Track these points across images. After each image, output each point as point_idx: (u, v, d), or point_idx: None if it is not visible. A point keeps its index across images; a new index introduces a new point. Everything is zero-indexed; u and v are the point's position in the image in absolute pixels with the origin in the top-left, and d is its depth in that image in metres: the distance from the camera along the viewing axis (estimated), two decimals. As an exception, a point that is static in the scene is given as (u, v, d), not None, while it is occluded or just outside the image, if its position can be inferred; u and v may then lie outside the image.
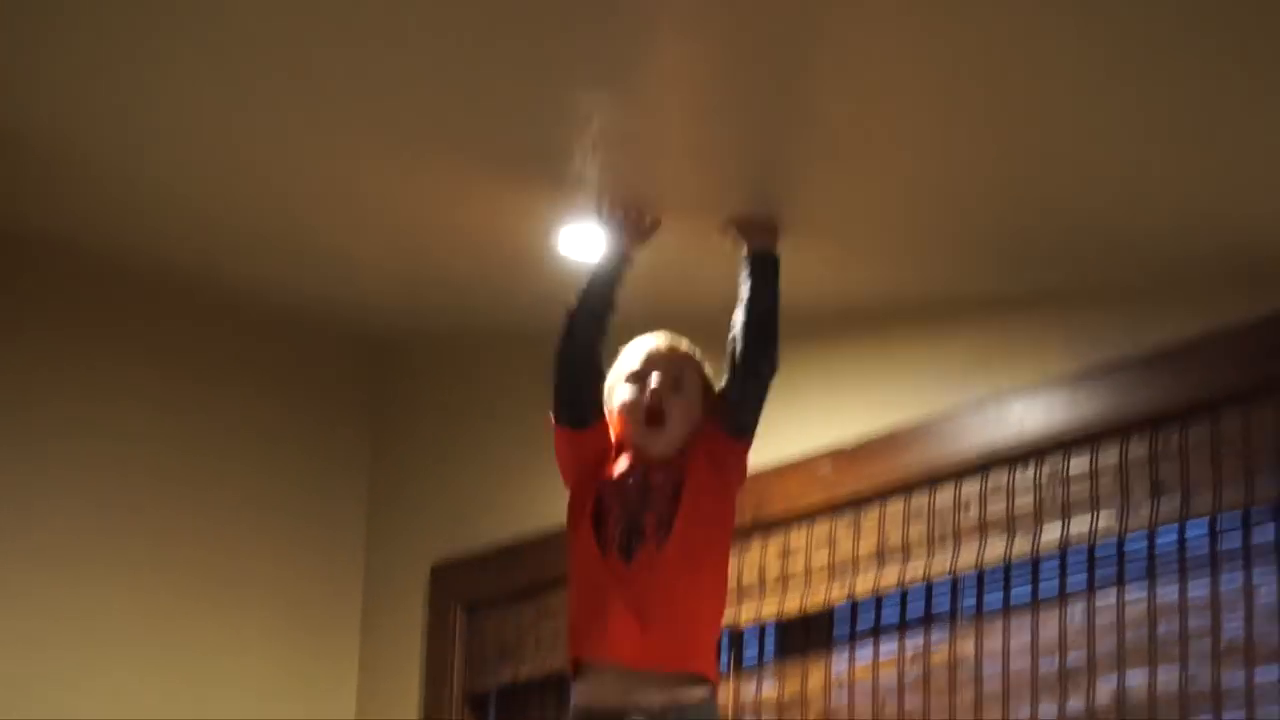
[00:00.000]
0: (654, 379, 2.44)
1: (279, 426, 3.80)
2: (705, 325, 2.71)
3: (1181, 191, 2.47)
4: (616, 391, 2.51)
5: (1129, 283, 2.70)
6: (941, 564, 2.89)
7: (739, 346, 2.43)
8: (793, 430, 3.03)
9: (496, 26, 2.43)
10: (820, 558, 3.11)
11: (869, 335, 3.07)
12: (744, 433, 2.40)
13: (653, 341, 2.52)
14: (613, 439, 2.48)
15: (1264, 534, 2.49)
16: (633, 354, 2.52)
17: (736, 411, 2.39)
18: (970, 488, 2.92)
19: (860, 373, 3.10)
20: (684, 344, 2.50)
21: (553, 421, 2.53)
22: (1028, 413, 2.72)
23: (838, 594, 3.05)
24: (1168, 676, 2.49)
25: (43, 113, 2.88)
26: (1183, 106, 2.24)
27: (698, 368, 2.46)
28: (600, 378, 2.45)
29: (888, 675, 2.98)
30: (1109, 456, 2.75)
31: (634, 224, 2.54)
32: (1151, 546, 2.59)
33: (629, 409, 2.42)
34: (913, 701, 2.91)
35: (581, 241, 2.80)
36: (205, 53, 2.61)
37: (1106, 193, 2.51)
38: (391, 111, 2.73)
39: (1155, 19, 2.01)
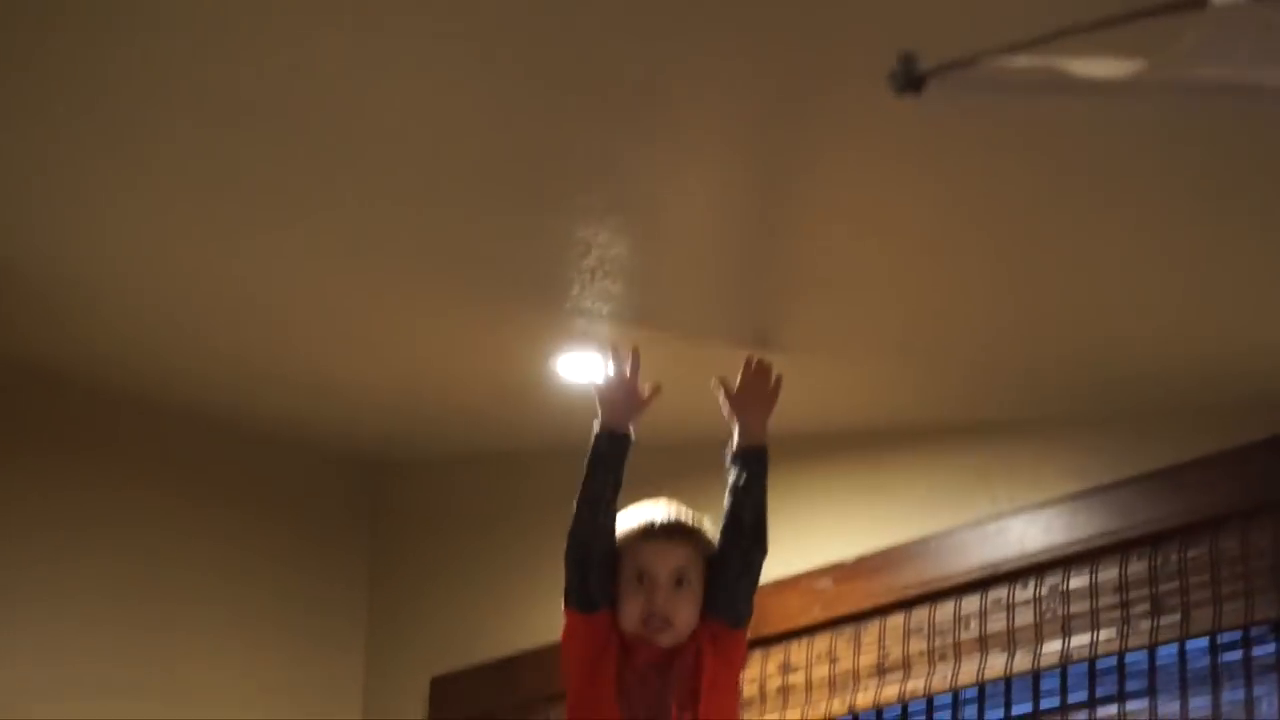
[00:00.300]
0: (660, 583, 2.43)
1: (279, 546, 3.80)
2: (701, 447, 2.69)
3: (1179, 320, 2.51)
4: (621, 585, 2.49)
5: (1128, 406, 2.73)
6: (942, 679, 2.86)
7: (731, 542, 2.44)
8: (793, 546, 2.99)
9: (496, 157, 2.45)
10: (821, 672, 3.07)
11: (869, 454, 3.08)
12: (743, 623, 2.43)
13: (658, 531, 2.48)
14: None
15: (1264, 650, 2.49)
16: (636, 545, 2.48)
17: (734, 604, 2.41)
18: (970, 603, 2.90)
19: (859, 491, 3.10)
20: (688, 520, 2.48)
21: (564, 606, 2.51)
22: (1028, 530, 2.72)
23: (839, 708, 3.01)
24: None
25: (39, 244, 2.88)
26: (1178, 238, 2.26)
27: (703, 549, 2.43)
28: (611, 562, 2.46)
29: None
30: (1109, 573, 2.75)
31: (631, 394, 2.49)
32: (1153, 661, 2.58)
33: (635, 616, 2.40)
34: None
35: (580, 366, 2.80)
36: (200, 187, 2.62)
37: (1104, 324, 2.54)
38: (390, 239, 2.74)
39: (1138, 166, 2.04)
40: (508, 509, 3.67)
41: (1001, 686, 2.89)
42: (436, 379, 3.30)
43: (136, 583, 3.57)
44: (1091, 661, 2.76)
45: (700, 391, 2.98)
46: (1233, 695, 2.49)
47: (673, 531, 2.43)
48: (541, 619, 3.92)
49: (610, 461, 2.43)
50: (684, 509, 2.46)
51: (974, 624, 2.90)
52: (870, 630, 3.07)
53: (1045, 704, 2.82)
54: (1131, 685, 2.72)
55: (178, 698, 3.55)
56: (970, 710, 2.91)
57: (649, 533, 2.43)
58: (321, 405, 3.55)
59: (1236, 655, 2.50)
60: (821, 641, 3.11)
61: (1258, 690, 2.47)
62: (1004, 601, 2.87)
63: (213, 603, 3.69)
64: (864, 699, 3.01)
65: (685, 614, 2.39)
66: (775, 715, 3.12)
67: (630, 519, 2.47)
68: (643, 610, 2.36)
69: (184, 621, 3.78)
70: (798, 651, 3.17)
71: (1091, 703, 2.76)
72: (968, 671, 2.85)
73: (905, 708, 3.00)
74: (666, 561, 2.39)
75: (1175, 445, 2.66)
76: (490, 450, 3.66)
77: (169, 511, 3.62)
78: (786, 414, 2.76)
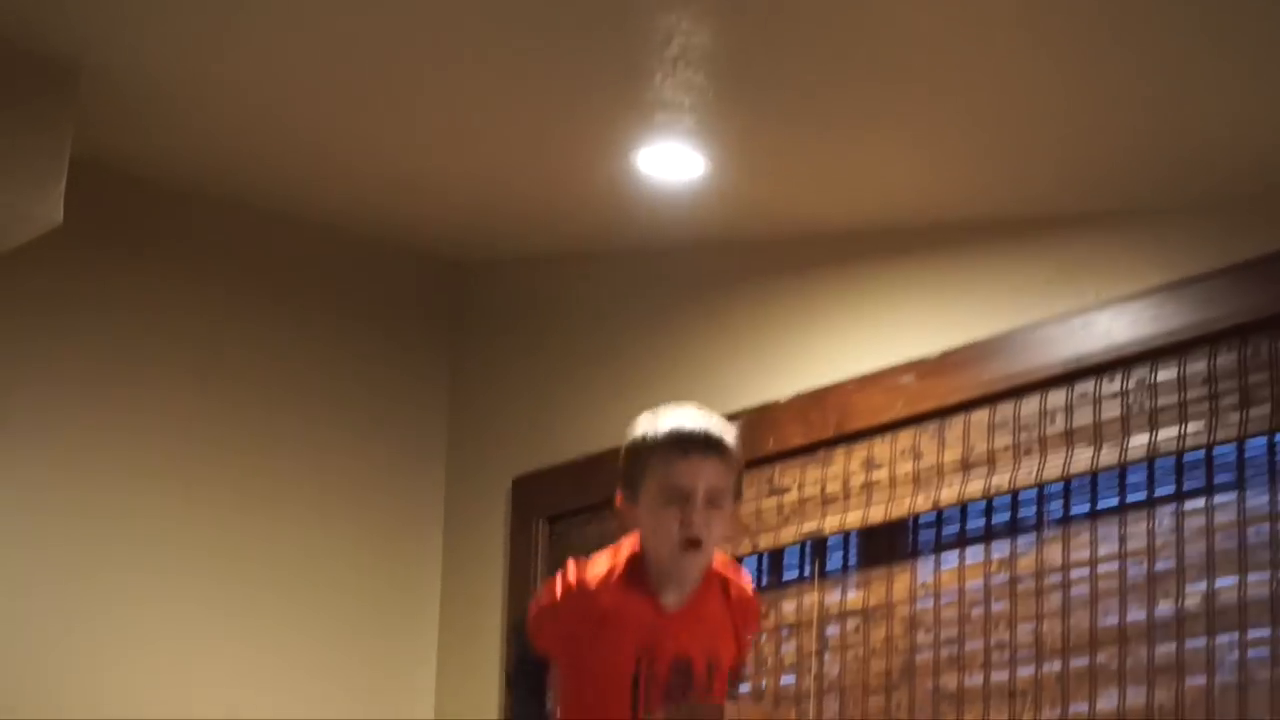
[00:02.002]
0: (697, 502, 2.30)
1: (360, 346, 3.85)
2: (792, 243, 2.70)
3: (1268, 106, 2.46)
4: (651, 500, 2.34)
5: (1216, 196, 2.69)
6: (1028, 474, 2.91)
7: None
8: (876, 342, 3.09)
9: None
10: (904, 468, 3.13)
11: (953, 249, 3.07)
12: None
13: (694, 444, 2.34)
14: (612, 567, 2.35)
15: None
16: (666, 460, 2.34)
17: None
18: (1056, 398, 2.93)
19: (943, 286, 3.10)
20: (727, 437, 2.35)
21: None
22: (1115, 323, 2.72)
23: (923, 504, 3.07)
24: (1258, 581, 2.51)
25: (123, 44, 2.93)
26: (1263, 18, 2.21)
27: (736, 468, 2.35)
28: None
29: (974, 582, 3.01)
30: (1197, 366, 2.75)
31: None
32: (1241, 454, 2.60)
33: (665, 536, 2.30)
34: (999, 608, 2.94)
35: (661, 161, 2.82)
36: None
37: (1190, 111, 2.52)
38: (471, 32, 2.74)
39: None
40: (588, 309, 3.71)
41: (1087, 481, 2.91)
42: (517, 176, 3.31)
43: (212, 383, 3.64)
44: (1179, 455, 2.77)
45: (788, 182, 2.98)
46: (1322, 486, 2.48)
47: (709, 445, 2.32)
48: (621, 418, 3.92)
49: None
50: (717, 419, 2.38)
51: (1060, 419, 2.92)
52: (954, 426, 3.09)
53: (1131, 498, 2.84)
54: (1220, 478, 2.73)
55: (253, 496, 3.65)
56: (1056, 505, 2.95)
57: (684, 446, 2.31)
58: (402, 203, 3.56)
59: (1327, 446, 2.49)
60: (905, 438, 3.14)
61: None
62: (1090, 395, 2.89)
63: (292, 404, 3.77)
64: (948, 495, 3.05)
65: (715, 531, 2.33)
66: (858, 512, 3.18)
67: (659, 427, 2.37)
68: (673, 528, 2.28)
69: (261, 422, 3.81)
70: (881, 448, 3.21)
71: (1179, 496, 2.77)
72: (1053, 466, 2.89)
73: (989, 504, 3.03)
74: (703, 479, 2.29)
75: (1264, 235, 2.63)
76: (571, 250, 3.68)
77: (249, 312, 3.67)
78: (872, 208, 2.77)
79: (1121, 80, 2.51)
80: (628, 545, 2.31)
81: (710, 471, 2.29)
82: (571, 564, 2.29)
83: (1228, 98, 2.48)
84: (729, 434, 2.32)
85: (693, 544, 2.25)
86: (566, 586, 2.31)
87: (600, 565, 2.28)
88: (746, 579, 2.45)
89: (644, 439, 2.33)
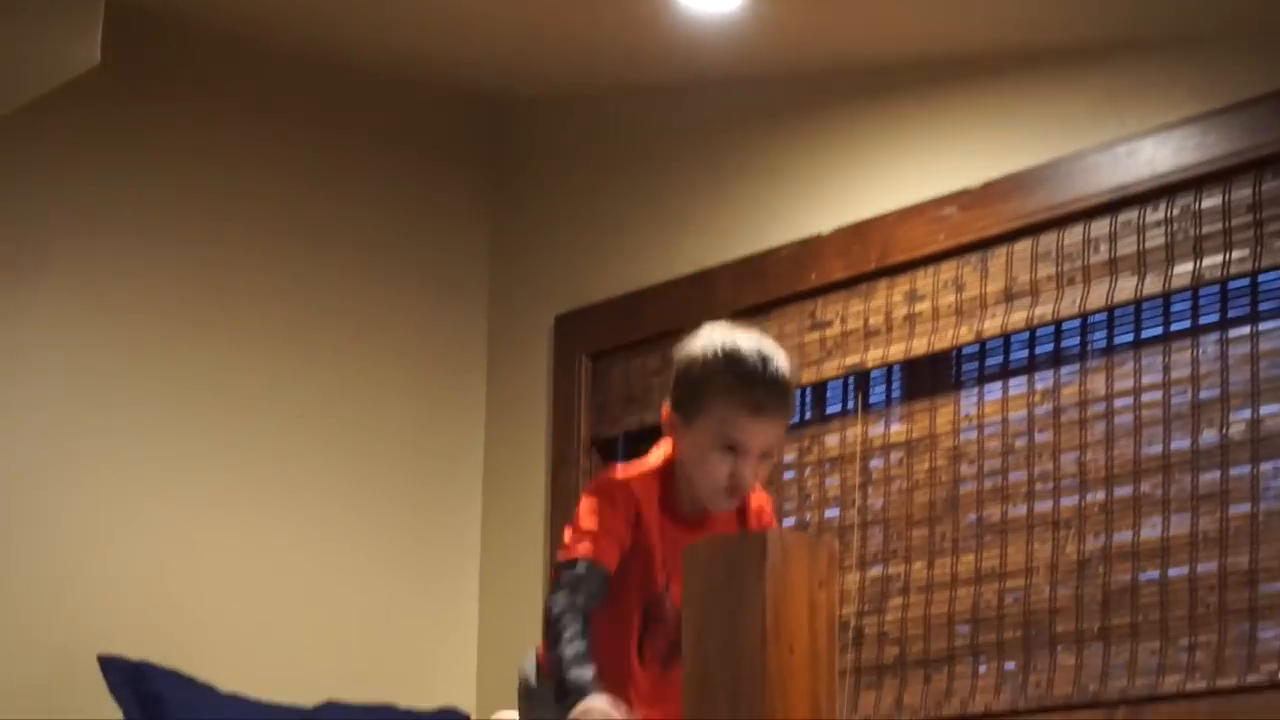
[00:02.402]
0: (751, 459, 2.29)
1: (402, 188, 3.86)
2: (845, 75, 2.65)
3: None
4: (704, 438, 2.31)
5: (1261, 22, 2.65)
6: (1071, 304, 2.92)
7: None
8: (917, 174, 3.10)
9: None
10: (947, 299, 3.15)
11: (995, 78, 3.06)
12: None
13: (771, 406, 2.30)
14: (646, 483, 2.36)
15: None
16: (734, 413, 2.30)
17: None
18: (1100, 227, 2.92)
19: (985, 116, 3.10)
20: (791, 391, 2.33)
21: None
22: (1158, 151, 2.72)
23: (965, 335, 3.09)
24: (1304, 408, 2.58)
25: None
26: None
27: (788, 424, 2.38)
28: None
29: (1017, 413, 3.03)
30: (1243, 192, 2.73)
31: None
32: (1287, 281, 2.57)
33: (710, 477, 2.30)
34: (1042, 438, 2.97)
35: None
36: None
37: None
38: None
39: None
40: (629, 145, 3.72)
41: (1131, 311, 2.92)
42: (556, 11, 3.28)
43: (253, 225, 3.67)
44: (1224, 283, 2.77)
45: (828, 12, 2.93)
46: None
47: (780, 408, 2.30)
48: (663, 255, 3.93)
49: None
50: (787, 364, 2.31)
51: (1103, 248, 2.92)
52: (997, 257, 3.09)
53: (1176, 327, 2.85)
54: (1265, 305, 2.74)
55: (295, 336, 3.68)
56: (1099, 335, 2.96)
57: (755, 405, 2.28)
58: (442, 43, 3.55)
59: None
60: (948, 269, 3.15)
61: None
62: (1134, 224, 2.88)
63: (334, 246, 3.81)
64: (991, 326, 3.06)
65: (759, 480, 2.38)
66: (901, 345, 3.20)
67: (728, 365, 2.29)
68: (724, 477, 2.28)
69: (302, 265, 3.82)
70: (924, 280, 3.21)
71: (1223, 324, 2.78)
72: (1097, 296, 2.90)
73: (1033, 334, 3.05)
74: (763, 439, 2.28)
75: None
76: (611, 85, 3.67)
77: (286, 152, 3.68)
78: (914, 38, 2.75)
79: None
80: (664, 448, 2.34)
81: (772, 432, 2.29)
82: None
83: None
84: (794, 386, 2.32)
85: (736, 493, 2.30)
86: (606, 480, 2.38)
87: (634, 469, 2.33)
88: (762, 495, 2.48)
89: (710, 372, 2.29)
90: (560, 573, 2.34)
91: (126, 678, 3.36)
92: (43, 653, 3.49)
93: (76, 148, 3.56)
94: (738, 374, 2.25)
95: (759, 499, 2.47)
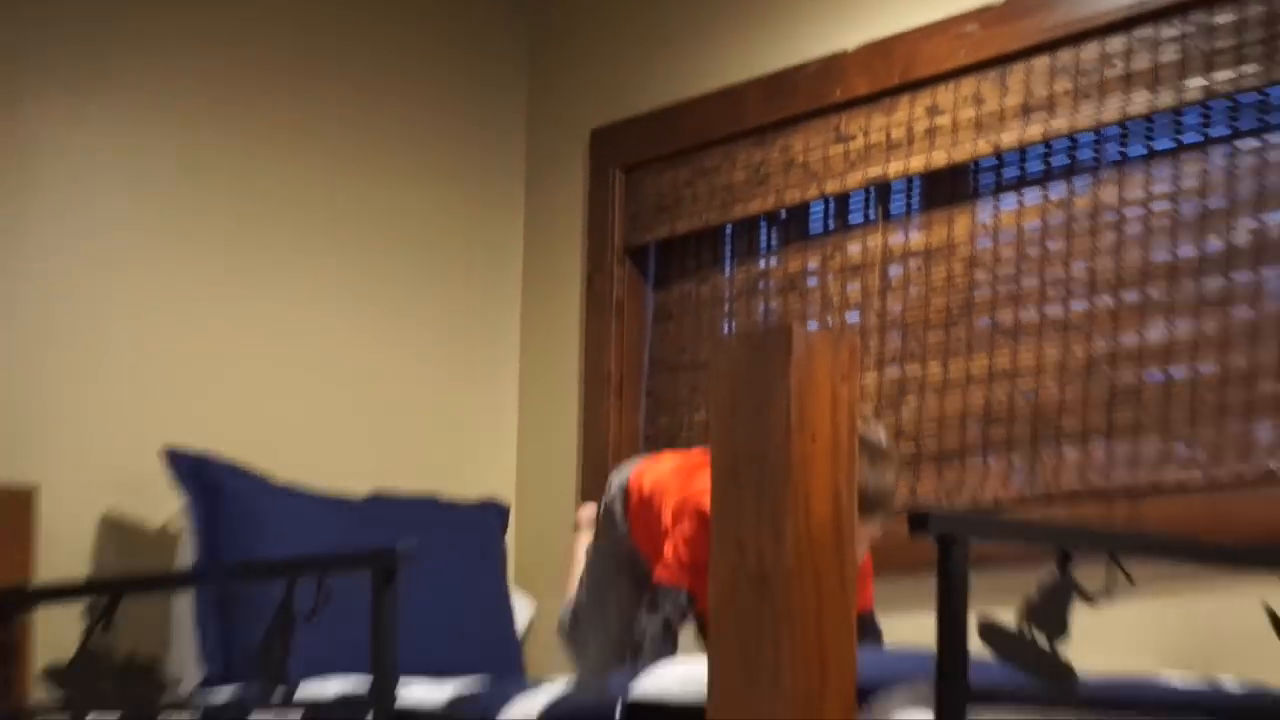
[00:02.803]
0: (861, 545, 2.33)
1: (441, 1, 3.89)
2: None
3: None
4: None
5: None
6: (1086, 117, 2.98)
7: None
8: None
9: None
10: (967, 114, 3.20)
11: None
12: None
13: (883, 509, 2.42)
14: None
15: None
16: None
17: None
18: (1115, 43, 2.96)
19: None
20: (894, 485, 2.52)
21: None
22: (1173, -33, 2.69)
23: (984, 148, 3.16)
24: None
25: None
26: None
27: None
28: None
29: (1031, 222, 3.13)
30: (1257, 10, 2.76)
31: None
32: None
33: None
34: (1055, 246, 3.08)
35: None
36: None
37: None
38: None
39: None
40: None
41: (1143, 124, 2.97)
42: None
43: (304, 39, 3.72)
44: (1234, 96, 2.82)
45: None
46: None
47: (888, 511, 2.44)
48: (694, 70, 3.91)
49: None
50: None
51: (1118, 63, 2.97)
52: (1016, 73, 3.15)
53: (1187, 139, 2.92)
54: (1274, 119, 2.78)
55: (340, 151, 3.74)
56: (1113, 148, 3.04)
57: (866, 507, 2.28)
58: None
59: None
60: (968, 85, 3.20)
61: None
62: (1149, 40, 2.92)
63: (375, 60, 3.83)
64: (1009, 139, 3.13)
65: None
66: (922, 157, 3.27)
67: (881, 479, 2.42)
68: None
69: (349, 78, 3.86)
70: (944, 95, 3.27)
71: (1233, 137, 2.84)
72: (1111, 109, 2.95)
73: (1049, 147, 3.11)
74: (868, 540, 2.42)
75: None
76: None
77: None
78: None
79: None
80: None
81: (875, 532, 2.45)
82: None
83: None
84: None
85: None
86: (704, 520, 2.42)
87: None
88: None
89: (875, 490, 2.39)
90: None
91: (189, 469, 3.49)
92: (111, 445, 3.62)
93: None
94: (868, 479, 2.33)
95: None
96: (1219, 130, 2.86)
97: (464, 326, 4.17)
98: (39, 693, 3.35)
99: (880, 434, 2.56)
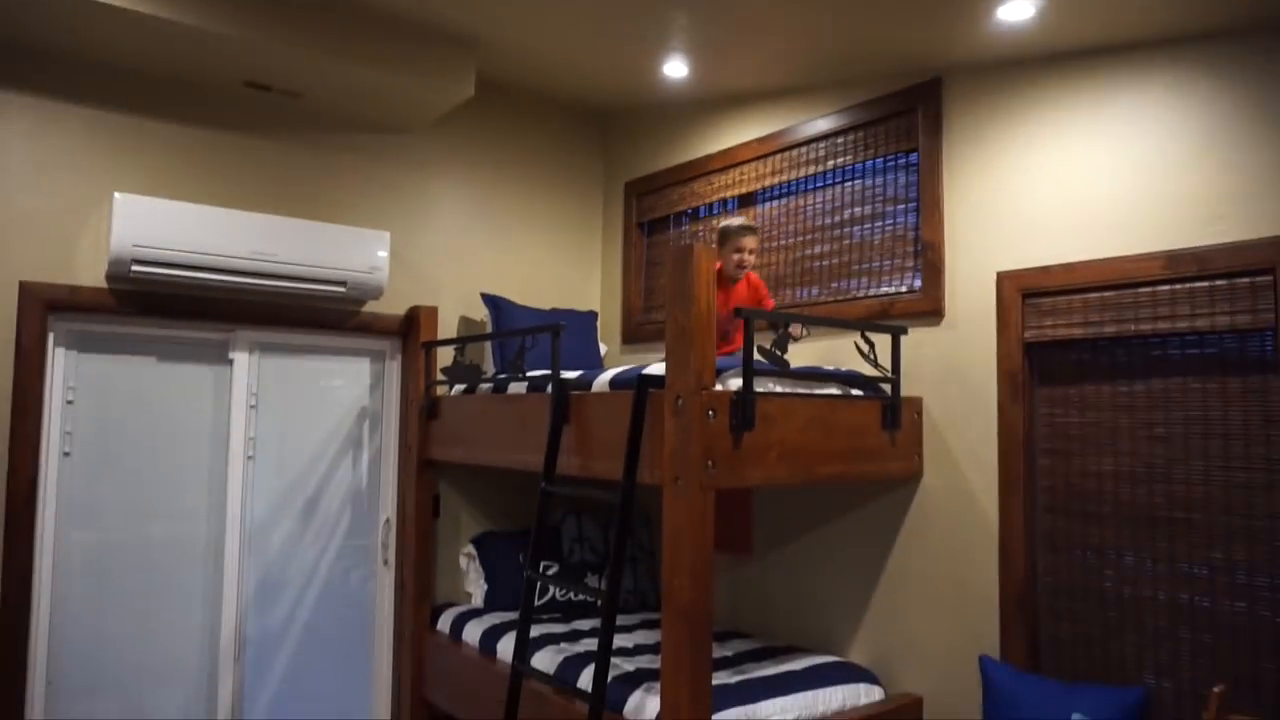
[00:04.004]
0: (745, 252, 4.31)
1: None
2: None
3: None
4: (728, 251, 4.35)
5: None
6: (795, 174, 5.32)
7: None
8: None
9: None
10: (753, 173, 5.47)
11: None
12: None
13: (748, 229, 4.33)
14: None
15: None
16: (738, 236, 4.34)
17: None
18: (805, 149, 5.28)
19: None
20: (754, 227, 4.23)
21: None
22: None
23: (758, 185, 5.42)
24: None
25: None
26: None
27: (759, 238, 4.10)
28: None
29: (778, 212, 5.44)
30: (851, 131, 4.89)
31: None
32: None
33: (732, 263, 4.35)
34: (784, 219, 5.22)
35: None
36: None
37: None
38: None
39: None
40: None
41: (812, 179, 5.15)
42: None
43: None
44: (844, 168, 5.10)
45: None
46: None
47: (751, 230, 4.36)
48: (669, 154, 6.55)
49: None
50: (750, 221, 4.09)
51: (807, 155, 5.33)
52: (771, 160, 5.45)
53: (824, 183, 5.15)
54: (858, 173, 4.82)
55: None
56: (801, 186, 5.35)
57: (742, 231, 4.40)
58: None
59: None
60: (754, 164, 5.56)
61: None
62: (820, 148, 5.18)
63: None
64: (768, 182, 5.35)
65: (750, 265, 4.34)
66: (739, 188, 5.59)
67: (730, 223, 4.33)
68: (735, 260, 4.31)
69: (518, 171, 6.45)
70: (746, 168, 5.61)
71: (843, 181, 4.99)
72: (803, 172, 5.42)
73: (783, 186, 5.26)
74: (750, 243, 4.38)
75: None
76: None
77: None
78: None
79: None
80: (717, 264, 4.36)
81: (751, 241, 4.44)
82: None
83: None
84: (755, 228, 4.19)
85: (742, 267, 4.44)
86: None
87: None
88: (757, 279, 4.56)
89: (723, 233, 4.39)
90: None
91: (489, 300, 6.11)
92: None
93: None
94: (734, 224, 4.38)
95: (756, 281, 4.63)
96: (836, 179, 5.21)
97: (583, 248, 6.85)
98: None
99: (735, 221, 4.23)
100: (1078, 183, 4.33)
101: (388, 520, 6.19)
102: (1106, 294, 4.23)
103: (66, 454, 5.24)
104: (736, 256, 4.62)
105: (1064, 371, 4.45)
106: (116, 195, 4.99)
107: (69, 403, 5.26)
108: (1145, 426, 4.22)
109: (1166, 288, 4.08)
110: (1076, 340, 4.34)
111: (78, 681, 5.17)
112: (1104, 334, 4.22)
